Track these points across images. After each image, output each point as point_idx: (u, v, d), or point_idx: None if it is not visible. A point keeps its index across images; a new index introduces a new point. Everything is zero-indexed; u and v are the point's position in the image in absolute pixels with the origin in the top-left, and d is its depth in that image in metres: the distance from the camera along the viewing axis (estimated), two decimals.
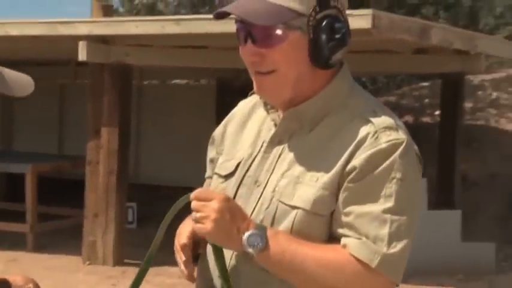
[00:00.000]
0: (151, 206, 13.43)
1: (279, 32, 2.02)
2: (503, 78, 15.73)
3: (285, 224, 2.05)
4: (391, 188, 1.98)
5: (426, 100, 15.28)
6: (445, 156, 11.99)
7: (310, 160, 2.08)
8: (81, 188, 11.02)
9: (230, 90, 14.29)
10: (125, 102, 10.93)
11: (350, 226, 1.98)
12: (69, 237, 11.81)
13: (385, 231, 1.95)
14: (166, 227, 2.18)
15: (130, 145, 11.97)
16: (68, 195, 12.81)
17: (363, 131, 2.04)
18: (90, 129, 10.99)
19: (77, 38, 10.31)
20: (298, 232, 2.02)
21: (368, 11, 9.06)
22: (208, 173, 2.51)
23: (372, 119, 2.06)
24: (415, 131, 14.66)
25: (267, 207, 2.10)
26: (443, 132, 12.36)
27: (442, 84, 12.66)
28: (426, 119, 15.30)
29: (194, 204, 1.99)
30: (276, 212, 2.07)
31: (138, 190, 12.81)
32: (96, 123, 10.89)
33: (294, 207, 2.04)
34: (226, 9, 2.04)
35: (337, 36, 2.03)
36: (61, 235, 12.18)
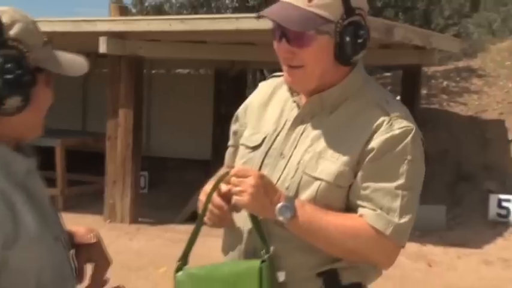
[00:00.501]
0: (160, 175, 13.58)
1: (309, 35, 2.02)
2: (452, 69, 15.79)
3: (308, 193, 2.06)
4: (403, 167, 2.04)
5: (389, 87, 15.20)
6: None
7: (331, 139, 2.09)
8: (102, 159, 11.31)
9: (225, 78, 14.78)
10: (138, 87, 11.06)
11: (367, 198, 2.03)
12: (92, 200, 11.98)
13: (397, 204, 2.01)
14: (211, 197, 2.12)
15: (143, 124, 12.19)
16: (91, 165, 12.91)
17: (379, 118, 2.07)
18: (109, 110, 11.15)
19: (98, 34, 10.49)
20: (320, 200, 2.04)
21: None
22: (230, 143, 2.50)
23: (387, 108, 2.09)
24: None
25: (293, 177, 2.09)
26: None
27: (403, 74, 12.65)
28: None
29: (234, 180, 2.00)
30: (300, 181, 2.08)
31: (149, 161, 12.89)
32: (114, 105, 11.05)
33: (317, 179, 2.06)
34: (265, 14, 2.07)
35: (360, 41, 2.05)
36: (86, 198, 12.41)
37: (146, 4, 18.92)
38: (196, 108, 14.77)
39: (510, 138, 12.69)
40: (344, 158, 2.04)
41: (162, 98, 15.01)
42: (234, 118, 2.47)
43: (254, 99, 2.41)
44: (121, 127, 10.99)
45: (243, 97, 15.58)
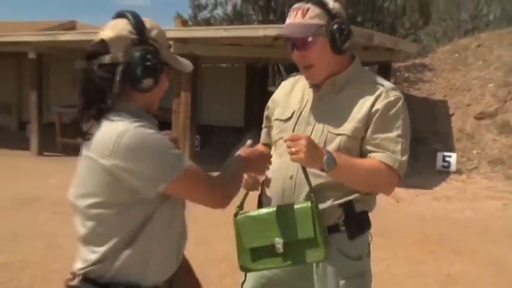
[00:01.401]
0: (208, 138, 13.56)
1: (310, 40, 2.06)
2: (411, 65, 15.84)
3: (333, 146, 2.08)
4: (399, 122, 2.10)
5: None
6: None
7: (344, 108, 2.12)
8: (169, 127, 11.03)
9: (254, 70, 14.88)
10: (194, 77, 10.93)
11: (377, 145, 2.07)
12: None
13: (398, 147, 2.08)
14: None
15: (197, 101, 12.05)
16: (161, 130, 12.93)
17: (379, 89, 2.12)
18: (175, 92, 11.05)
19: (168, 40, 10.25)
20: (342, 151, 2.06)
21: None
22: (264, 125, 2.50)
23: (383, 83, 2.15)
24: None
25: (320, 136, 2.11)
26: None
27: (378, 68, 12.52)
28: None
29: (289, 143, 1.95)
30: (326, 138, 2.10)
31: (201, 128, 12.74)
32: (178, 89, 10.99)
33: (339, 134, 2.09)
34: (280, 32, 2.14)
35: (345, 33, 2.07)
36: None
37: (199, 18, 18.97)
38: (233, 91, 14.97)
39: (451, 113, 12.68)
40: (357, 118, 2.08)
41: (210, 83, 15.08)
42: (266, 108, 2.46)
43: (279, 92, 2.40)
44: (182, 104, 11.02)
45: (266, 83, 15.71)
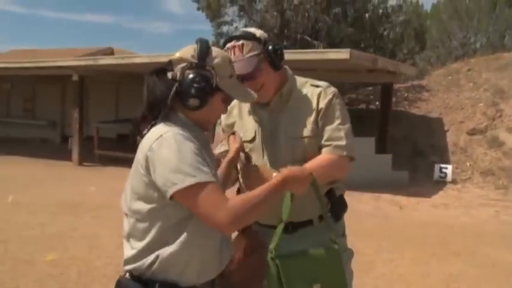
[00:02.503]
0: None
1: (256, 69, 2.03)
2: (410, 86, 15.70)
3: (300, 149, 2.07)
4: (338, 113, 2.10)
5: (371, 96, 15.18)
6: (382, 127, 11.83)
7: (297, 114, 2.11)
8: None
9: None
10: None
11: (326, 138, 2.06)
12: None
13: (342, 133, 2.07)
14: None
15: None
16: None
17: (318, 90, 2.13)
18: None
19: None
20: (309, 151, 2.07)
21: (347, 49, 9.04)
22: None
23: (318, 84, 2.16)
24: (366, 112, 14.65)
25: (286, 143, 2.09)
26: (382, 114, 12.17)
27: (381, 88, 12.48)
28: (372, 106, 15.24)
29: None
30: (293, 144, 2.08)
31: None
32: None
33: (302, 138, 2.08)
34: (235, 71, 1.89)
35: (279, 52, 2.07)
36: None
37: (220, 44, 19.03)
38: None
39: (446, 129, 12.59)
40: (310, 119, 2.08)
41: None
42: (217, 134, 2.38)
43: (229, 119, 2.29)
44: None
45: None
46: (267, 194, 1.55)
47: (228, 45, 2.05)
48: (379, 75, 11.42)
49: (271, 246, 1.66)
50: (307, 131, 2.08)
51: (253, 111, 2.20)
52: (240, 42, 2.03)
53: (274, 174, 1.84)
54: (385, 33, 18.98)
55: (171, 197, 1.49)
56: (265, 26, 17.66)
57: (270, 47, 2.05)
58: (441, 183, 10.69)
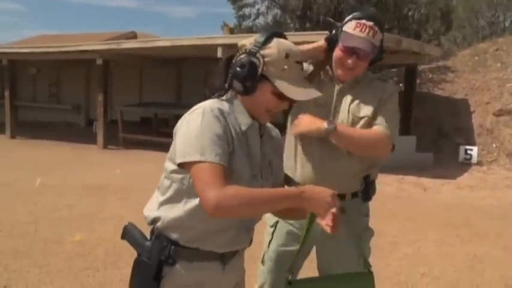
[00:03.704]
0: None
1: (369, 54, 2.16)
2: (435, 67, 15.48)
3: (357, 124, 2.19)
4: (394, 108, 2.24)
5: (395, 78, 14.98)
6: (406, 108, 11.69)
7: (362, 98, 2.22)
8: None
9: None
10: None
11: (379, 121, 2.16)
12: None
13: (392, 123, 2.17)
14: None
15: None
16: None
17: (384, 84, 2.30)
18: None
19: (217, 46, 10.30)
20: (364, 127, 2.19)
21: None
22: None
23: (387, 80, 2.40)
24: None
25: (347, 119, 2.20)
26: (406, 96, 11.99)
27: (405, 70, 12.30)
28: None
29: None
30: (352, 121, 2.20)
31: None
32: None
33: (362, 117, 2.19)
34: (351, 44, 2.18)
35: (384, 54, 2.27)
36: None
37: (243, 27, 19.02)
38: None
39: (471, 110, 12.39)
40: (372, 105, 2.18)
41: None
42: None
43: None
44: None
45: None
46: (273, 199, 1.50)
47: (366, 22, 2.14)
48: (403, 56, 11.26)
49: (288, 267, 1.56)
50: (366, 112, 2.19)
51: (326, 82, 2.31)
52: (376, 28, 2.15)
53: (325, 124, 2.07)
54: (410, 13, 18.66)
55: (179, 165, 1.53)
56: (287, 8, 17.57)
57: (384, 52, 2.24)
58: (466, 165, 10.57)
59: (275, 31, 1.67)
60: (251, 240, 1.75)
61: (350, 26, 2.16)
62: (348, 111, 2.20)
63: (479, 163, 10.62)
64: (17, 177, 8.50)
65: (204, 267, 1.62)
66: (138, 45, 12.55)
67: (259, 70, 1.57)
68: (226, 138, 1.52)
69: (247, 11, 19.11)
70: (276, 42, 1.61)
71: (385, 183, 8.80)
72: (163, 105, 14.18)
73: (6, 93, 14.95)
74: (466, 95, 13.09)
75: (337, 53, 2.19)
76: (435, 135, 11.91)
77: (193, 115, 1.55)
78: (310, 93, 1.63)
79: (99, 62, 12.88)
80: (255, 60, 1.57)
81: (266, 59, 1.57)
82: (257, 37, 1.64)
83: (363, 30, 2.11)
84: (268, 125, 1.77)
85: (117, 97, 16.42)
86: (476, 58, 14.76)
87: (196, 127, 1.51)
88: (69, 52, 13.36)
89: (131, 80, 17.42)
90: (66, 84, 19.13)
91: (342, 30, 2.19)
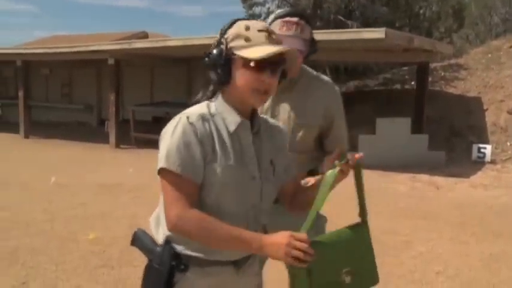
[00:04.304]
0: None
1: (299, 51, 2.02)
2: (447, 65, 15.40)
3: (298, 132, 2.13)
4: (343, 113, 2.23)
5: (407, 76, 14.96)
6: (418, 107, 11.65)
7: (302, 102, 2.14)
8: None
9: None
10: None
11: (334, 135, 2.21)
12: None
13: (345, 134, 2.25)
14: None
15: None
16: None
17: (326, 85, 2.18)
18: None
19: None
20: (307, 134, 2.14)
21: (382, 29, 8.92)
22: None
23: (327, 80, 2.20)
24: (402, 92, 14.46)
25: (290, 126, 2.11)
26: (417, 94, 11.96)
27: (417, 68, 12.24)
28: (407, 86, 15.02)
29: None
30: (294, 126, 2.11)
31: None
32: None
33: (304, 124, 2.12)
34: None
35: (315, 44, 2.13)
36: None
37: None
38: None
39: (484, 108, 12.30)
40: (316, 111, 2.12)
41: None
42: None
43: None
44: None
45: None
46: (229, 239, 1.43)
47: (287, 18, 2.03)
48: (415, 54, 11.21)
49: (304, 228, 1.46)
50: (310, 120, 2.10)
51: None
52: (299, 20, 2.04)
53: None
54: (421, 11, 18.55)
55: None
56: (298, 6, 17.50)
57: (314, 37, 2.08)
58: (480, 163, 10.49)
59: (239, 18, 1.58)
60: None
61: (276, 27, 2.04)
62: (289, 118, 2.11)
63: (492, 161, 10.54)
64: (31, 176, 8.59)
65: (217, 272, 1.56)
66: (149, 44, 12.60)
67: (224, 51, 1.50)
68: (201, 147, 1.46)
69: (257, 9, 19.16)
70: (237, 23, 1.54)
71: (397, 181, 8.77)
72: (175, 104, 14.20)
73: (20, 94, 15.09)
74: (479, 93, 12.99)
75: None
76: (448, 133, 11.83)
77: (169, 124, 1.51)
78: (268, 49, 1.45)
79: (111, 61, 12.95)
80: (219, 45, 1.51)
81: (228, 39, 1.50)
82: (222, 27, 1.56)
83: (289, 28, 2.02)
84: (271, 121, 1.71)
85: (129, 97, 16.50)
86: (489, 55, 14.65)
87: (168, 137, 1.48)
88: (81, 52, 13.45)
89: (142, 79, 17.50)
90: (78, 84, 19.26)
91: None
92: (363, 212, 1.63)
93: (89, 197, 7.11)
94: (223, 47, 1.51)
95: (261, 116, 1.66)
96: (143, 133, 13.19)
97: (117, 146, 13.11)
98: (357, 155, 1.49)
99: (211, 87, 1.60)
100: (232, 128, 1.52)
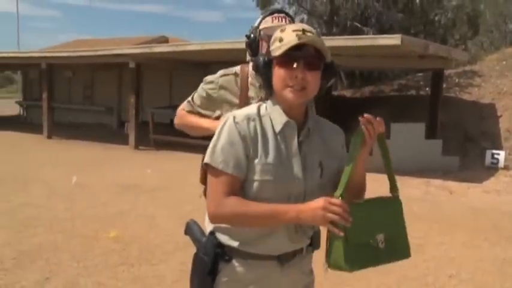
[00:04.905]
0: None
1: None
2: (462, 72, 15.22)
3: None
4: None
5: (421, 82, 14.85)
6: (432, 112, 11.56)
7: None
8: None
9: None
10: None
11: None
12: None
13: None
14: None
15: None
16: None
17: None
18: None
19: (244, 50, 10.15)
20: None
21: (398, 35, 8.85)
22: None
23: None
24: (416, 98, 14.36)
25: None
26: (432, 100, 11.86)
27: (432, 74, 12.15)
28: (422, 92, 14.92)
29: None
30: None
31: None
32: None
33: None
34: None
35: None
36: None
37: None
38: None
39: (498, 115, 12.16)
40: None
41: None
42: None
43: None
44: None
45: (329, 88, 15.15)
46: (266, 215, 1.46)
47: (275, 14, 2.17)
48: (430, 61, 11.12)
49: (337, 193, 1.49)
50: None
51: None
52: (285, 16, 2.17)
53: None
54: (436, 18, 18.42)
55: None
56: (315, 13, 17.53)
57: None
58: (493, 169, 10.38)
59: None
60: (312, 241, 1.68)
61: (267, 22, 2.15)
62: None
63: (506, 167, 10.41)
64: (54, 175, 8.71)
65: (260, 265, 1.58)
66: (169, 49, 12.69)
67: (265, 55, 1.54)
68: (245, 144, 1.50)
69: None
70: (282, 27, 1.58)
71: (411, 186, 8.71)
72: None
73: (44, 95, 15.29)
74: (493, 99, 12.86)
75: (264, 49, 2.09)
76: (461, 139, 11.72)
77: (221, 122, 1.58)
78: (290, 43, 1.46)
79: (132, 65, 13.07)
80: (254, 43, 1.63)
81: (270, 43, 1.55)
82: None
83: (280, 20, 2.13)
84: (328, 123, 1.69)
85: (148, 99, 16.63)
86: (504, 63, 14.50)
87: (216, 134, 1.54)
88: (104, 56, 13.60)
89: (162, 82, 17.62)
90: (99, 87, 19.48)
91: (259, 30, 2.16)
92: (393, 187, 1.63)
93: (109, 196, 7.18)
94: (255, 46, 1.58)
95: (318, 117, 1.67)
96: (162, 135, 13.28)
97: (136, 147, 13.21)
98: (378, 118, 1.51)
99: (264, 91, 1.63)
100: (278, 128, 1.54)
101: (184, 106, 2.41)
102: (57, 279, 3.98)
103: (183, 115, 2.39)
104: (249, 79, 2.20)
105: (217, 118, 2.24)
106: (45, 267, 4.22)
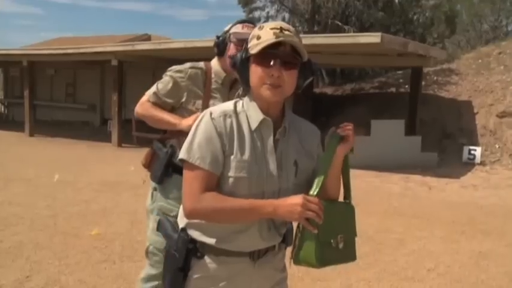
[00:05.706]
0: None
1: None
2: (440, 69, 15.44)
3: None
4: None
5: (401, 80, 14.98)
6: (412, 110, 11.69)
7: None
8: None
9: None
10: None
11: None
12: None
13: None
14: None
15: None
16: None
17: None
18: None
19: None
20: None
21: (378, 33, 8.89)
22: None
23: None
24: (396, 95, 14.46)
25: None
26: (411, 97, 11.99)
27: (411, 72, 12.26)
28: (402, 90, 15.05)
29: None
30: None
31: None
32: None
33: None
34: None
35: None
36: None
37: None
38: None
39: (475, 112, 12.32)
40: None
41: None
42: None
43: None
44: None
45: (311, 87, 15.28)
46: (244, 210, 1.45)
47: (246, 24, 2.33)
48: (409, 59, 11.23)
49: (313, 192, 1.50)
50: None
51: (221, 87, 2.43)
52: (254, 25, 2.26)
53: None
54: (415, 17, 18.60)
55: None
56: (296, 11, 17.54)
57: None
58: (470, 165, 10.52)
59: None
60: (285, 238, 1.65)
61: (237, 28, 2.34)
62: None
63: (482, 163, 10.56)
64: (36, 173, 8.57)
65: (232, 261, 1.56)
66: (152, 46, 12.59)
67: (243, 53, 1.54)
68: (221, 141, 1.48)
69: (257, 14, 19.15)
70: (259, 25, 1.60)
71: (391, 182, 8.77)
72: None
73: (26, 93, 15.06)
74: (470, 97, 13.02)
75: (231, 51, 2.28)
76: (440, 135, 11.85)
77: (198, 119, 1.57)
78: (267, 42, 1.45)
79: (114, 63, 12.94)
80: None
81: (248, 41, 1.54)
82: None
83: (249, 29, 2.26)
84: (305, 122, 1.67)
85: (131, 97, 16.45)
86: (480, 61, 14.68)
87: (192, 130, 1.52)
88: (86, 53, 13.43)
89: (144, 80, 17.43)
90: (82, 84, 19.23)
91: (229, 34, 2.33)
92: (347, 196, 1.64)
93: (92, 194, 7.09)
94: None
95: (295, 116, 1.65)
96: (144, 133, 13.17)
97: (119, 145, 13.10)
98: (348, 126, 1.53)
99: (242, 87, 1.61)
100: (254, 125, 1.52)
101: (149, 97, 2.47)
102: (37, 278, 3.90)
103: (148, 107, 2.46)
104: (212, 75, 2.40)
105: (171, 111, 2.41)
106: (25, 266, 4.13)
